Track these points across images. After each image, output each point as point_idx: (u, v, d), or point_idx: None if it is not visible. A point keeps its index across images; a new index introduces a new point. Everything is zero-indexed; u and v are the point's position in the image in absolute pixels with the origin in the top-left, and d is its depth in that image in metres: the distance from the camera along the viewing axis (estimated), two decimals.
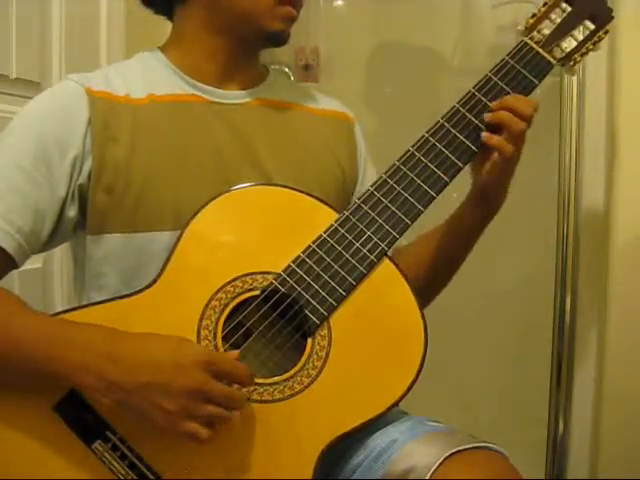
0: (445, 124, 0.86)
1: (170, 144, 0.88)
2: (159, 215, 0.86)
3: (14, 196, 0.82)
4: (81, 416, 0.76)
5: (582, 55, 0.91)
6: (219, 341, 0.78)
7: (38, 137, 0.84)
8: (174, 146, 0.88)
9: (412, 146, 0.85)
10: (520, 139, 0.85)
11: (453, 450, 0.75)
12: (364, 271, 0.81)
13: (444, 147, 0.85)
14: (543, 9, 0.90)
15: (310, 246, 0.81)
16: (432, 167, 0.84)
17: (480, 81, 0.87)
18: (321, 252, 0.81)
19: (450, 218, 0.96)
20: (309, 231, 0.82)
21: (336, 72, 1.70)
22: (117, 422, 0.76)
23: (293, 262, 0.80)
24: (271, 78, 0.99)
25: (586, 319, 1.47)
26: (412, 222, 0.83)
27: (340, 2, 1.75)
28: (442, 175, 0.84)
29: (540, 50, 0.89)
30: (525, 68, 0.87)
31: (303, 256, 0.81)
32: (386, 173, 0.84)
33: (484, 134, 0.85)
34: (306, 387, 0.78)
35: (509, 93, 0.86)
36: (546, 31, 0.89)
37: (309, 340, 0.79)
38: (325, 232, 0.82)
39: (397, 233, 0.82)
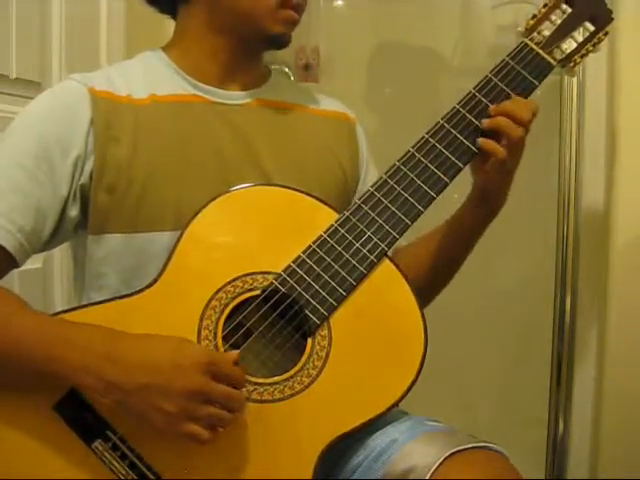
0: (445, 125, 0.86)
1: (171, 144, 0.88)
2: (160, 215, 0.86)
3: (16, 195, 0.82)
4: (81, 415, 0.76)
5: (582, 56, 0.91)
6: (219, 341, 0.78)
7: (40, 136, 0.84)
8: (175, 146, 0.88)
9: (412, 147, 0.85)
10: (518, 145, 0.85)
11: (453, 450, 0.75)
12: (364, 271, 0.81)
13: (444, 148, 0.85)
14: (543, 10, 0.90)
15: (310, 246, 0.81)
16: (432, 168, 0.84)
17: (480, 82, 0.87)
18: (321, 252, 0.81)
19: (451, 218, 0.96)
20: (309, 231, 0.82)
21: (336, 72, 1.70)
22: (117, 421, 0.76)
23: (293, 262, 0.80)
24: (273, 79, 0.99)
25: (586, 319, 1.47)
26: (412, 222, 0.83)
27: (340, 2, 1.75)
28: (442, 176, 0.84)
29: (540, 51, 0.89)
30: (525, 69, 0.87)
31: (303, 256, 0.81)
32: (386, 173, 0.85)
33: (480, 139, 0.85)
34: (306, 387, 0.78)
35: (509, 94, 0.86)
36: (546, 32, 0.90)
37: (309, 340, 0.79)
38: (325, 232, 0.82)
39: (397, 233, 0.82)
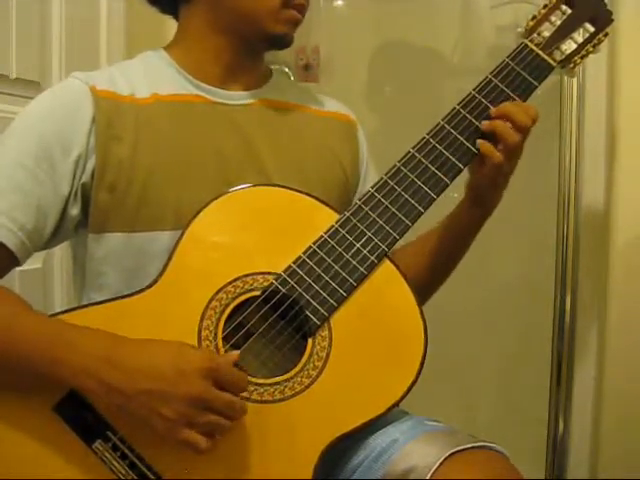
0: (446, 126, 0.86)
1: (173, 144, 0.88)
2: (160, 215, 0.86)
3: (17, 194, 0.82)
4: (81, 416, 0.76)
5: (582, 57, 0.91)
6: (220, 341, 0.78)
7: (41, 135, 0.84)
8: (177, 146, 0.88)
9: (413, 147, 0.85)
10: (514, 151, 0.85)
11: (453, 450, 0.75)
12: (365, 272, 0.81)
13: (445, 149, 0.85)
14: (543, 11, 0.90)
15: (311, 247, 0.81)
16: (433, 168, 0.84)
17: (480, 83, 0.87)
18: (322, 253, 0.81)
19: (446, 218, 0.96)
20: (310, 232, 0.82)
21: (336, 72, 1.70)
22: (118, 422, 0.75)
23: (294, 263, 0.81)
24: (274, 79, 0.99)
25: (586, 319, 1.47)
26: (412, 223, 0.83)
27: (340, 2, 1.75)
28: (442, 176, 0.84)
29: (540, 52, 0.89)
30: (525, 70, 0.87)
31: (304, 257, 0.81)
32: (387, 174, 0.85)
33: (479, 140, 0.85)
34: (306, 387, 0.78)
35: (509, 95, 0.86)
36: (546, 33, 0.90)
37: (309, 341, 0.79)
38: (326, 233, 0.82)
39: (397, 234, 0.82)
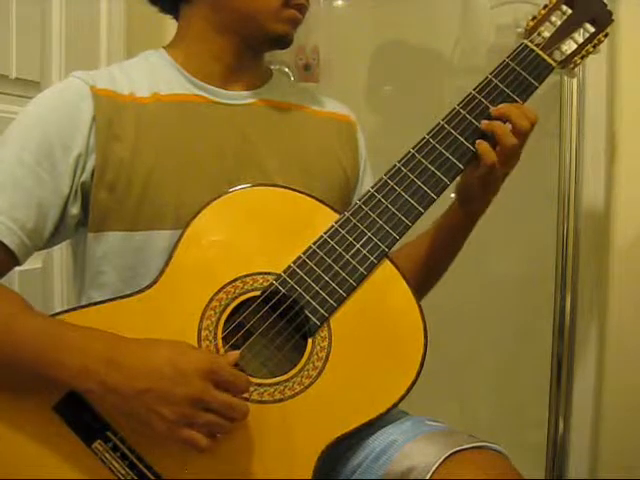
0: (445, 126, 0.86)
1: (173, 144, 0.88)
2: (160, 214, 0.86)
3: (17, 192, 0.82)
4: (81, 416, 0.76)
5: (582, 58, 0.91)
6: (219, 342, 0.78)
7: (42, 134, 0.84)
8: (177, 146, 0.88)
9: (413, 147, 0.85)
10: (510, 153, 0.84)
11: (453, 450, 0.75)
12: (365, 272, 0.81)
13: (444, 149, 0.85)
14: (543, 12, 0.91)
15: (311, 247, 0.81)
16: (432, 169, 0.84)
17: (480, 83, 0.87)
18: (322, 253, 0.81)
19: (439, 218, 0.96)
20: (310, 232, 0.82)
21: (336, 72, 1.70)
22: (117, 422, 0.75)
23: (294, 263, 0.81)
24: (274, 79, 0.99)
25: (586, 319, 1.47)
26: (412, 223, 0.83)
27: (340, 2, 1.75)
28: (442, 177, 0.84)
29: (540, 52, 0.89)
30: (525, 70, 0.87)
31: (304, 257, 0.81)
32: (387, 174, 0.85)
33: (478, 140, 0.85)
34: (306, 388, 0.78)
35: (510, 95, 0.86)
36: (546, 33, 0.90)
37: (309, 341, 0.79)
38: (326, 233, 0.82)
39: (397, 234, 0.82)
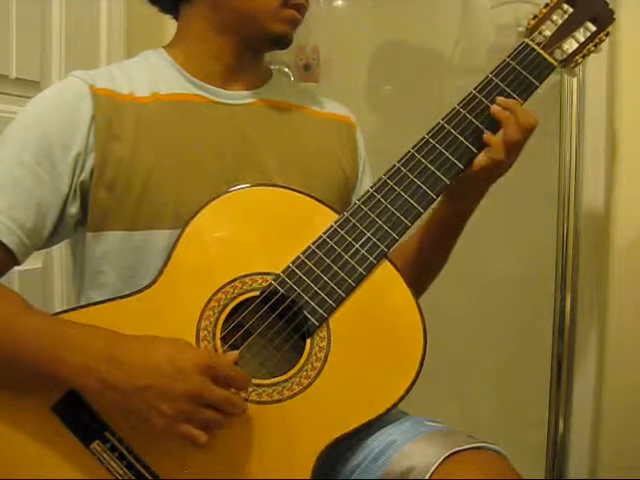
0: (445, 125, 0.85)
1: (173, 143, 0.88)
2: (159, 213, 0.86)
3: (16, 192, 0.82)
4: (79, 416, 0.76)
5: (583, 57, 0.91)
6: (218, 342, 0.78)
7: (41, 133, 0.84)
8: (177, 145, 0.88)
9: (412, 147, 0.85)
10: (514, 148, 0.84)
11: (453, 450, 0.75)
12: (363, 273, 0.81)
13: (444, 148, 0.85)
14: (545, 10, 0.90)
15: (310, 247, 0.81)
16: (432, 168, 0.84)
17: (481, 83, 0.87)
18: (321, 253, 0.81)
19: (426, 217, 0.95)
20: (309, 232, 0.82)
21: (336, 72, 1.70)
22: (116, 422, 0.76)
23: (292, 263, 0.80)
24: (274, 79, 0.99)
25: (586, 319, 1.47)
26: (412, 223, 0.83)
27: (340, 2, 1.75)
28: (442, 177, 0.84)
29: (541, 51, 0.88)
30: (526, 70, 0.87)
31: (303, 257, 0.81)
32: (386, 174, 0.84)
33: (485, 134, 0.84)
34: (305, 388, 0.78)
35: (510, 94, 0.86)
36: (547, 32, 0.89)
37: (308, 341, 0.79)
38: (325, 233, 0.82)
39: (397, 234, 0.82)
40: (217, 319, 0.79)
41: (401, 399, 0.78)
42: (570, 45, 0.90)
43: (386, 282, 0.81)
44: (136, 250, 0.86)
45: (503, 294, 1.63)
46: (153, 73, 0.92)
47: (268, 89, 0.97)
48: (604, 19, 0.91)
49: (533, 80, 0.87)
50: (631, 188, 1.39)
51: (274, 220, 0.84)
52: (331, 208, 0.84)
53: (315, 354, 0.79)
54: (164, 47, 0.96)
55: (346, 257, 0.81)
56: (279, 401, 0.77)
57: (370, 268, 0.81)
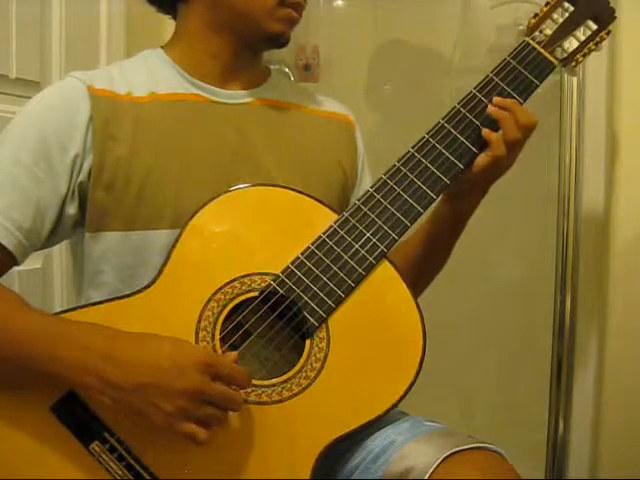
0: (445, 125, 0.85)
1: (171, 143, 0.88)
2: (158, 213, 0.86)
3: (14, 192, 0.82)
4: (79, 416, 0.76)
5: (584, 55, 0.91)
6: (217, 342, 0.78)
7: (39, 134, 0.84)
8: (175, 145, 0.88)
9: (412, 147, 0.85)
10: (513, 147, 0.84)
11: (452, 450, 0.75)
12: (363, 273, 0.80)
13: (444, 148, 0.84)
14: (545, 9, 0.90)
15: (309, 247, 0.81)
16: (432, 168, 0.84)
17: (481, 82, 0.87)
18: (320, 253, 0.81)
19: (426, 218, 0.95)
20: (308, 232, 0.82)
21: (336, 72, 1.70)
22: (115, 423, 0.75)
23: (292, 263, 0.80)
24: (273, 78, 0.99)
25: (586, 319, 1.47)
26: (412, 223, 0.83)
27: (340, 2, 1.75)
28: (442, 176, 0.84)
29: (542, 50, 0.88)
30: (526, 69, 0.87)
31: (302, 257, 0.80)
32: (386, 174, 0.84)
33: (484, 130, 0.84)
34: (304, 389, 0.77)
35: (510, 94, 0.86)
36: (548, 31, 0.89)
37: (307, 342, 0.79)
38: (324, 233, 0.81)
39: (396, 234, 0.82)
40: (216, 319, 0.79)
41: (400, 400, 0.78)
42: (571, 44, 0.90)
43: (386, 282, 0.81)
44: (135, 250, 0.86)
45: (503, 294, 1.63)
46: (151, 73, 0.92)
47: (267, 88, 0.97)
48: (605, 17, 0.91)
49: (533, 79, 0.87)
50: (631, 188, 1.39)
51: (274, 220, 0.84)
52: (331, 208, 0.84)
53: (314, 354, 0.79)
54: (162, 47, 0.96)
55: (346, 257, 0.81)
56: (279, 402, 0.77)
57: (370, 268, 0.81)
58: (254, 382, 0.77)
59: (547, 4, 0.91)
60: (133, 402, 0.72)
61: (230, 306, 0.79)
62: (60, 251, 1.32)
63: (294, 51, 1.68)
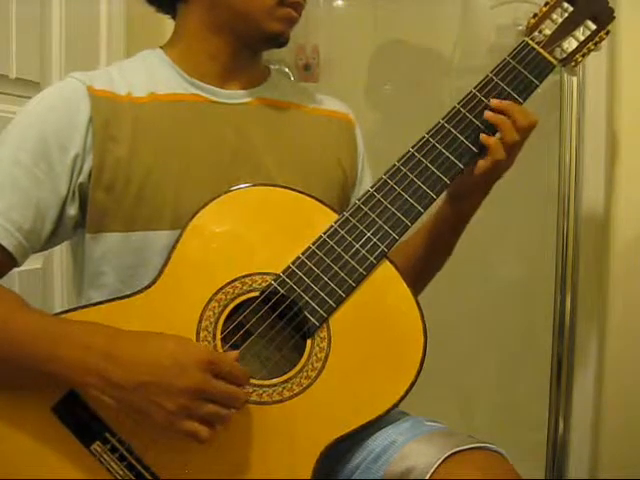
0: (445, 125, 0.85)
1: (171, 143, 0.88)
2: (158, 214, 0.86)
3: (14, 193, 0.82)
4: (80, 417, 0.76)
5: (583, 55, 0.91)
6: (218, 342, 0.78)
7: (39, 134, 0.84)
8: (175, 145, 0.88)
9: (412, 147, 0.85)
10: (511, 150, 0.84)
11: (452, 450, 0.75)
12: (364, 273, 0.80)
13: (444, 148, 0.85)
14: (545, 9, 0.90)
15: (310, 247, 0.81)
16: (432, 168, 0.84)
17: (481, 82, 0.87)
18: (321, 253, 0.81)
19: (427, 218, 0.96)
20: (309, 232, 0.82)
21: (336, 72, 1.70)
22: (116, 423, 0.75)
23: (292, 263, 0.80)
24: (273, 78, 0.99)
25: (586, 319, 1.47)
26: (412, 223, 0.83)
27: (340, 2, 1.75)
28: (442, 176, 0.84)
29: (541, 50, 0.88)
30: (526, 69, 0.87)
31: (303, 257, 0.80)
32: (386, 174, 0.84)
33: (482, 135, 0.84)
34: (305, 389, 0.78)
35: (510, 94, 0.86)
36: (547, 31, 0.89)
37: (308, 341, 0.79)
38: (325, 233, 0.82)
39: (397, 234, 0.82)
40: (217, 319, 0.79)
41: (401, 400, 0.78)
42: (570, 44, 0.90)
43: (386, 282, 0.81)
44: (135, 251, 0.86)
45: (503, 294, 1.63)
46: (151, 73, 0.92)
47: (266, 88, 0.97)
48: (604, 17, 0.91)
49: (533, 79, 0.87)
50: (631, 188, 1.39)
51: (274, 220, 0.84)
52: (331, 208, 0.84)
53: (315, 354, 0.79)
54: (162, 47, 0.96)
55: (346, 257, 0.81)
56: (279, 402, 0.77)
57: (370, 268, 0.81)
58: (255, 382, 0.77)
59: (546, 4, 0.91)
60: (134, 401, 0.72)
61: (231, 306, 0.79)
62: (60, 251, 1.32)
63: (294, 51, 1.67)
